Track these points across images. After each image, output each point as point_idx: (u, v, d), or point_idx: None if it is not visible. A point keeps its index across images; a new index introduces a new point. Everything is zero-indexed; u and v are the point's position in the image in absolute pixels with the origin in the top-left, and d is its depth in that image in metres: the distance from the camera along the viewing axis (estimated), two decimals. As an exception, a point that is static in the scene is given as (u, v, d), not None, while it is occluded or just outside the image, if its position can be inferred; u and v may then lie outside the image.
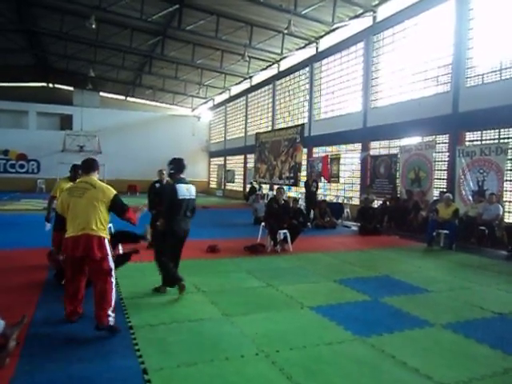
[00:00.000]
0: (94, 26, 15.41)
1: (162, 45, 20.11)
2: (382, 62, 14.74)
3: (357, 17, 15.28)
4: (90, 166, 4.30)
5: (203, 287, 5.53)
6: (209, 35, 17.99)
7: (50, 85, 30.12)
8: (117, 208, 4.14)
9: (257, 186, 20.70)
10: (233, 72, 23.84)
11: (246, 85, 25.88)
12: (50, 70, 26.86)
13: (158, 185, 8.34)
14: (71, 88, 29.41)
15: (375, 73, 14.91)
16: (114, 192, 4.15)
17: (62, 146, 25.40)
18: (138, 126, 30.27)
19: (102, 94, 30.14)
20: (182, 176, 5.27)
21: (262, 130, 23.34)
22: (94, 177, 4.24)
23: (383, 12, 14.46)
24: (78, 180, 4.50)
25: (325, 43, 17.90)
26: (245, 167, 26.09)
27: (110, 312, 3.91)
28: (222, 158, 30.29)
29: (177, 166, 5.30)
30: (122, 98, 31.21)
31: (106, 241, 4.07)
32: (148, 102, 31.56)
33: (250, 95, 25.73)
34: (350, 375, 3.19)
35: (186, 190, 5.19)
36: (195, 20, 16.91)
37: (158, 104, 31.73)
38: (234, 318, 4.40)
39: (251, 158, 24.67)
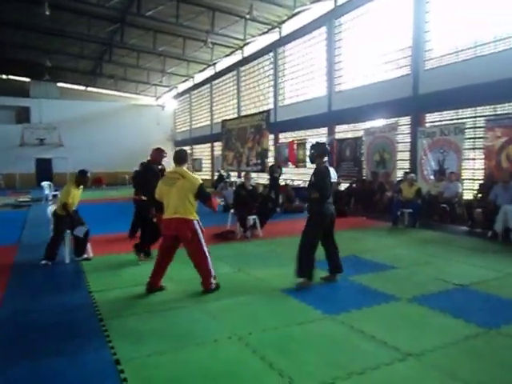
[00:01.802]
0: (47, 13, 14.75)
1: (122, 32, 19.50)
2: (344, 46, 14.86)
3: (318, 0, 15.31)
4: (181, 157, 4.92)
5: (175, 276, 5.49)
6: (169, 21, 17.58)
7: (4, 76, 28.69)
8: (201, 196, 4.74)
9: (225, 174, 20.64)
10: (196, 59, 23.48)
11: (210, 72, 25.56)
12: (2, 60, 25.57)
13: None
14: (27, 79, 28.16)
15: (338, 57, 15.04)
16: (200, 182, 4.77)
17: (20, 139, 24.39)
18: (101, 116, 29.43)
19: (60, 84, 29.03)
20: (324, 159, 5.15)
21: (228, 118, 23.20)
22: (184, 167, 4.88)
23: (344, -4, 14.55)
24: (170, 170, 5.04)
25: (288, 28, 17.85)
26: (212, 155, 25.93)
27: (212, 280, 4.77)
28: (188, 147, 29.95)
29: (318, 149, 5.20)
30: (83, 88, 30.19)
31: (195, 222, 4.71)
32: (110, 92, 30.65)
33: (214, 82, 25.44)
34: (320, 352, 3.28)
35: (333, 173, 5.16)
36: (154, 5, 16.47)
37: (121, 94, 30.85)
38: (207, 304, 4.43)
39: (218, 145, 24.53)
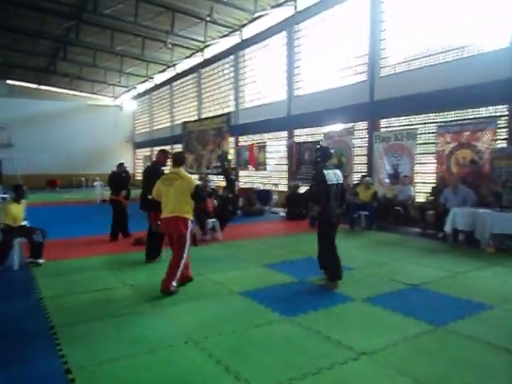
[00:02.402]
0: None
1: (78, 29, 18.90)
2: (304, 52, 15.12)
3: (278, 6, 15.49)
4: (179, 159, 5.21)
5: (130, 281, 5.39)
6: (128, 20, 17.20)
7: None
8: (197, 196, 4.98)
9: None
10: (156, 60, 23.11)
11: (170, 73, 25.24)
12: None
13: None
14: (-28, 76, 26.72)
15: (298, 62, 15.27)
16: (197, 183, 5.08)
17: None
18: (55, 116, 28.34)
19: (10, 82, 27.72)
20: (327, 163, 5.26)
21: (188, 120, 22.98)
22: (182, 169, 5.11)
23: (303, 2, 14.79)
24: (168, 171, 5.26)
25: (249, 32, 17.94)
26: (172, 158, 25.56)
27: (173, 283, 4.83)
28: (148, 149, 29.42)
29: (323, 153, 5.30)
30: (35, 86, 28.96)
31: (189, 221, 4.96)
32: (65, 91, 29.59)
33: (174, 84, 25.15)
34: (277, 354, 3.30)
35: (334, 175, 5.14)
36: (112, 3, 16.07)
37: (77, 93, 29.85)
38: (163, 309, 4.36)
39: (179, 148, 24.23)
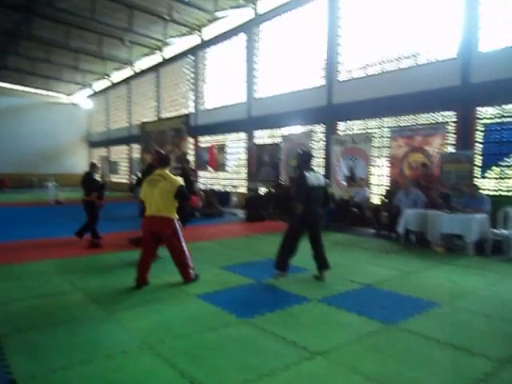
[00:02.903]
0: None
1: (30, 23, 18.11)
2: (264, 54, 15.22)
3: (238, 7, 15.51)
4: (163, 161, 5.39)
5: (83, 286, 5.21)
6: (84, 16, 16.71)
7: None
8: (180, 196, 5.16)
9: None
10: (113, 57, 22.52)
11: (128, 71, 24.68)
12: None
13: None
14: None
15: (257, 64, 15.36)
16: (180, 183, 5.21)
17: None
18: (5, 113, 27.00)
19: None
20: (310, 166, 5.57)
21: (147, 120, 22.55)
22: (166, 170, 5.28)
23: (263, 5, 14.90)
24: (154, 172, 5.37)
25: (209, 32, 17.86)
26: (130, 158, 25.01)
27: (190, 270, 5.27)
28: (105, 149, 28.62)
29: (305, 157, 5.60)
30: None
31: (175, 220, 5.20)
32: (17, 87, 28.23)
33: (133, 82, 24.61)
34: (232, 356, 3.29)
35: (316, 179, 5.40)
36: (68, -2, 15.57)
37: (29, 89, 28.57)
38: (117, 314, 4.23)
39: (137, 148, 23.74)
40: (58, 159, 28.54)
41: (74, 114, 29.80)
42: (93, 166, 8.59)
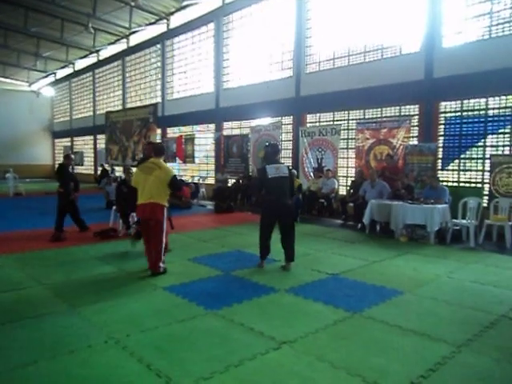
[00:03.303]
0: None
1: (-16, 6, 17.21)
2: (232, 44, 15.10)
3: (206, -4, 15.30)
4: (158, 150, 5.55)
5: (46, 280, 5.06)
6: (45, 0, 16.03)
7: None
8: (173, 186, 5.33)
9: (109, 169, 19.56)
10: (76, 44, 21.77)
11: (92, 59, 23.94)
12: None
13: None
14: None
15: (226, 54, 15.23)
16: (174, 173, 5.41)
17: None
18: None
19: None
20: (276, 158, 5.78)
21: (112, 109, 21.99)
22: (161, 159, 5.43)
23: (232, -6, 14.75)
24: (148, 160, 5.54)
25: (176, 21, 17.53)
26: (95, 148, 24.36)
27: (161, 263, 5.33)
28: (68, 139, 27.73)
29: (273, 150, 5.79)
30: None
31: (165, 208, 5.33)
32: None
33: (97, 71, 23.92)
34: (200, 348, 3.28)
35: (276, 170, 5.53)
36: (26, -20, 14.88)
37: (-16, 76, 27.26)
38: (82, 308, 4.13)
39: (102, 138, 23.14)
40: (19, 149, 27.44)
41: (35, 102, 28.66)
42: (67, 157, 8.44)
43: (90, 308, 4.14)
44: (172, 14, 17.38)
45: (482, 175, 8.82)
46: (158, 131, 18.32)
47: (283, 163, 5.83)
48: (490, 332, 3.67)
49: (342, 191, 11.28)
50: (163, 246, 5.36)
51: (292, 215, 5.87)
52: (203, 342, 3.41)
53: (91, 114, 24.72)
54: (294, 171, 10.72)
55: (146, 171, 5.32)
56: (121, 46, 21.28)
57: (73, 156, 8.76)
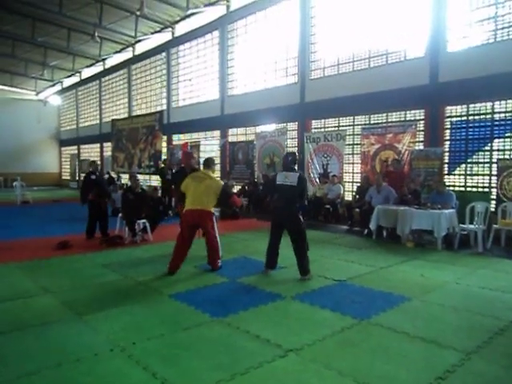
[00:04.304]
0: None
1: (-7, 17, 17.45)
2: (237, 52, 15.18)
3: (211, 4, 15.40)
4: (209, 163, 6.11)
5: (52, 288, 5.07)
6: (51, 10, 16.23)
7: None
8: (224, 195, 5.89)
9: (115, 176, 19.64)
10: (83, 53, 22.01)
11: (99, 68, 24.17)
12: None
13: (93, 176, 8.49)
14: None
15: (231, 61, 15.30)
16: (222, 184, 5.99)
17: None
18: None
19: None
20: (292, 166, 5.67)
21: (118, 117, 22.14)
22: (210, 172, 6.00)
23: (236, 2, 14.85)
24: (200, 171, 6.34)
25: (181, 29, 17.67)
26: (101, 156, 24.50)
27: (219, 261, 5.91)
28: (75, 147, 27.93)
29: (293, 158, 5.75)
30: None
31: (213, 215, 5.88)
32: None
33: (103, 79, 24.14)
34: (205, 356, 3.26)
35: (285, 178, 5.55)
36: (34, -9, 15.09)
37: (-8, 86, 27.54)
38: (88, 316, 4.13)
39: (108, 146, 23.28)
40: (26, 158, 27.67)
41: (43, 111, 28.91)
42: (89, 165, 8.86)
43: (96, 316, 4.14)
44: (177, 22, 17.52)
45: (490, 179, 8.75)
46: (164, 138, 18.40)
47: (298, 172, 5.66)
48: (500, 339, 3.62)
49: (348, 197, 11.23)
50: (218, 244, 5.91)
51: (297, 222, 5.54)
52: (209, 350, 3.39)
53: (97, 122, 24.91)
54: (305, 178, 10.66)
55: (196, 179, 5.84)
56: (127, 55, 21.47)
57: (98, 162, 9.11)
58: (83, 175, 8.76)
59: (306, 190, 5.85)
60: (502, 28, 8.58)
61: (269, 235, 5.76)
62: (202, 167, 6.65)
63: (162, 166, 13.89)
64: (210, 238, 5.84)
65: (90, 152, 26.29)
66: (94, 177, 8.42)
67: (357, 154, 11.23)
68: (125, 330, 3.77)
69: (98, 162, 9.36)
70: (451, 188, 8.73)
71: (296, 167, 5.71)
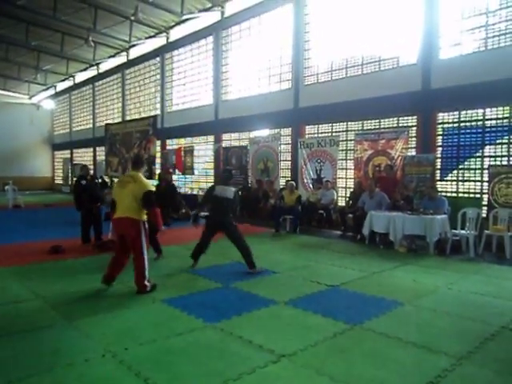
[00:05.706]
0: None
1: (-14, 20, 17.38)
2: (231, 57, 15.24)
3: (206, 10, 15.46)
4: (136, 162, 5.37)
5: (43, 293, 5.03)
6: (46, 14, 16.19)
7: None
8: (145, 201, 4.95)
9: (108, 181, 19.55)
10: (76, 57, 21.93)
11: (92, 72, 24.11)
12: None
13: (83, 181, 8.39)
14: None
15: (225, 67, 15.35)
16: (149, 188, 5.02)
17: None
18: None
19: None
20: (227, 182, 6.52)
21: (112, 121, 22.09)
22: (139, 172, 5.20)
23: (231, 8, 14.91)
24: (126, 173, 5.45)
25: (176, 34, 17.70)
26: (94, 160, 24.39)
27: (145, 282, 5.00)
28: (68, 151, 27.78)
29: (229, 174, 6.78)
30: None
31: (141, 222, 4.99)
32: (-29, 87, 27.01)
33: (97, 83, 24.08)
34: (198, 362, 3.26)
35: (222, 190, 6.24)
36: (28, -5, 15.05)
37: (-15, 89, 27.36)
38: (79, 321, 4.11)
39: (101, 150, 23.19)
40: (19, 162, 27.49)
41: (36, 115, 28.73)
42: (80, 169, 8.87)
43: (88, 321, 4.12)
44: (171, 27, 17.55)
45: (481, 185, 8.82)
46: (158, 143, 18.38)
47: (234, 188, 6.51)
48: (491, 344, 3.65)
49: (341, 202, 11.27)
50: (145, 263, 5.00)
51: (230, 227, 6.27)
52: (202, 355, 3.38)
53: (91, 126, 24.82)
54: (293, 183, 10.72)
55: (121, 185, 5.14)
56: (120, 59, 21.45)
57: (90, 166, 9.03)
58: (75, 179, 8.67)
59: (238, 204, 6.71)
60: (493, 36, 8.69)
61: (202, 235, 6.39)
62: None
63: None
64: (135, 254, 5.04)
65: (83, 156, 26.15)
66: (84, 182, 8.36)
67: (350, 159, 11.28)
68: (117, 335, 3.76)
69: (90, 167, 9.21)
70: (443, 194, 8.79)
71: (231, 182, 6.60)
